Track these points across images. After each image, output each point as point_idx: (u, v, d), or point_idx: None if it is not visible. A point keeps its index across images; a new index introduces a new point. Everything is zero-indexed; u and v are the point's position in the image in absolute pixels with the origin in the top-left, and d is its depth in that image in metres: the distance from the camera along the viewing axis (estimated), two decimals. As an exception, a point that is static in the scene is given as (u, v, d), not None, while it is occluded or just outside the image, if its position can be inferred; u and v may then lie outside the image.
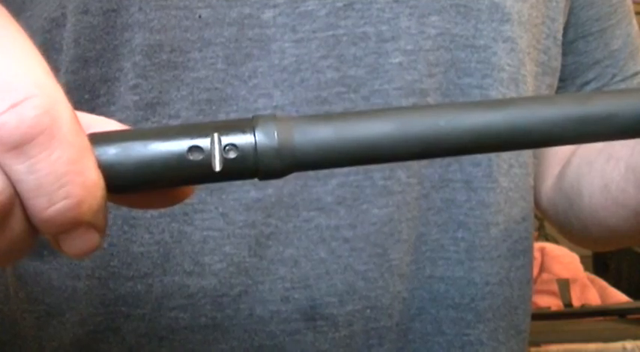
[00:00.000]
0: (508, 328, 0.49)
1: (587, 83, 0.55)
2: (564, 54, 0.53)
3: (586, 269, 1.74)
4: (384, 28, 0.42)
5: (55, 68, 0.43)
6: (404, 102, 0.42)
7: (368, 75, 0.42)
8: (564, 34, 0.52)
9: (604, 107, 0.24)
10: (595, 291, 1.63)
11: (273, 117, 0.24)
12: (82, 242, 0.24)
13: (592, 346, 1.22)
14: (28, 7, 0.45)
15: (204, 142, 0.23)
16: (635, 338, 1.23)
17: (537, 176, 0.55)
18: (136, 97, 0.42)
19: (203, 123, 0.24)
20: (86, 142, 0.23)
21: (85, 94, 0.44)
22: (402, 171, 0.43)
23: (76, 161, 0.23)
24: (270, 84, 0.42)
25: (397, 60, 0.43)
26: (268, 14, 0.42)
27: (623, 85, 0.55)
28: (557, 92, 0.53)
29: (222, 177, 0.24)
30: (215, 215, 0.42)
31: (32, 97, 0.22)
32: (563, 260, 1.70)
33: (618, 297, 1.63)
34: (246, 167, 0.24)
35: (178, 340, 0.43)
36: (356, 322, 0.43)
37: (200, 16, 0.42)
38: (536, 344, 1.25)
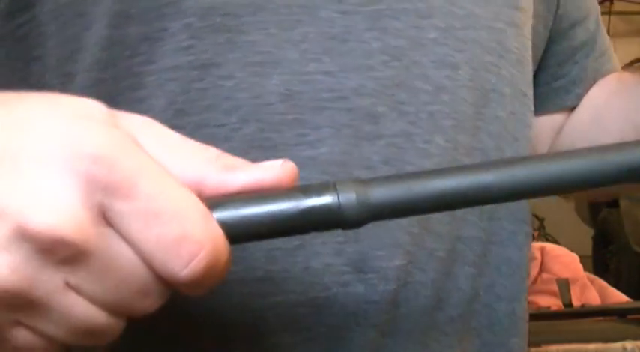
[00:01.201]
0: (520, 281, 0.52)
1: (575, 63, 0.62)
2: (560, 40, 0.60)
3: (586, 269, 1.75)
4: (420, 5, 0.47)
5: (95, 20, 0.45)
6: (438, 74, 0.46)
7: (408, 46, 0.46)
8: (558, 23, 0.60)
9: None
10: (595, 291, 1.63)
11: (351, 182, 0.30)
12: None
13: (592, 346, 1.22)
14: None
15: (300, 203, 0.29)
16: (635, 338, 1.23)
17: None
18: (191, 58, 0.44)
19: (300, 187, 0.30)
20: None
21: (125, 51, 0.45)
22: (439, 135, 0.46)
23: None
24: (320, 50, 0.44)
25: (432, 35, 0.47)
26: None
27: (600, 60, 0.63)
28: (549, 74, 0.61)
29: (315, 229, 0.30)
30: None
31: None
32: (563, 260, 1.70)
33: (618, 297, 1.63)
34: (333, 221, 0.30)
35: (232, 293, 0.44)
36: (402, 276, 0.45)
37: None
38: (536, 344, 1.25)
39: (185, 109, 0.44)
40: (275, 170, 0.30)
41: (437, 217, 0.46)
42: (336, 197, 0.30)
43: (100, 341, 0.29)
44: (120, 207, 0.26)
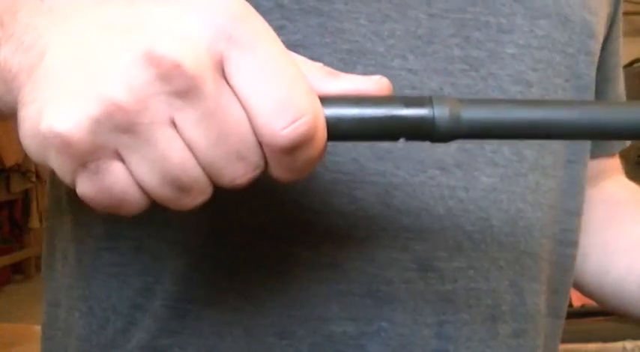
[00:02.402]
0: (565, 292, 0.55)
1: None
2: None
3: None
4: (503, 20, 0.48)
5: None
6: (513, 89, 0.47)
7: (487, 58, 0.47)
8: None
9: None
10: (595, 291, 1.63)
11: (446, 98, 0.32)
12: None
13: (592, 346, 1.22)
14: None
15: (399, 111, 0.31)
16: (635, 338, 1.23)
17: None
18: (282, 38, 0.44)
19: (400, 97, 0.32)
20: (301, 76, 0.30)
21: None
22: (506, 147, 0.48)
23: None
24: (406, 47, 0.45)
25: (511, 51, 0.48)
26: None
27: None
28: None
29: (406, 137, 0.32)
30: (347, 159, 0.44)
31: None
32: (563, 260, 1.70)
33: (618, 297, 1.62)
34: (424, 133, 0.32)
35: (298, 276, 0.45)
36: (460, 279, 0.46)
37: None
38: (536, 344, 1.25)
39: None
40: (373, 83, 0.33)
41: (500, 227, 0.48)
42: (432, 110, 0.32)
43: (185, 204, 0.30)
44: (238, 59, 0.28)
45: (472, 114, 0.32)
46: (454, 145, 0.46)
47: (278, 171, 0.30)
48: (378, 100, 0.32)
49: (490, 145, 0.47)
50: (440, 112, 0.32)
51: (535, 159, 0.49)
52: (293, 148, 0.29)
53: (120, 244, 0.47)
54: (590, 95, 0.52)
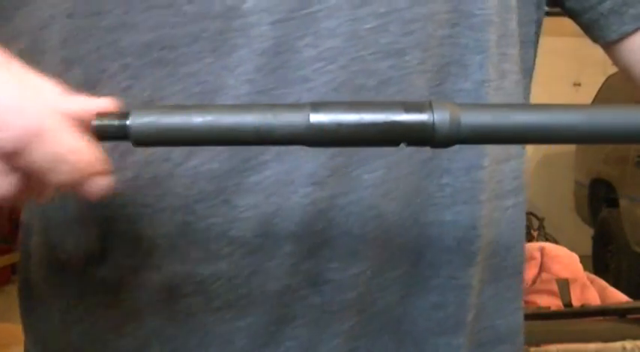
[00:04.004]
0: (499, 269, 0.50)
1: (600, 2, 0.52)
2: None
3: (586, 269, 1.74)
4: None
5: (40, 71, 0.45)
6: (382, 65, 0.43)
7: (344, 43, 0.43)
8: None
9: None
10: (595, 291, 1.63)
11: (446, 103, 0.32)
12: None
13: (592, 346, 1.22)
14: (23, 4, 0.46)
15: (399, 117, 0.32)
16: (635, 338, 1.23)
17: None
18: (129, 99, 0.42)
19: (400, 102, 0.32)
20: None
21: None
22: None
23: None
24: (252, 69, 0.42)
25: (369, 24, 0.43)
26: (249, 3, 0.43)
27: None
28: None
29: (407, 143, 0.32)
30: (216, 202, 0.43)
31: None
32: (563, 260, 1.70)
33: (618, 297, 1.63)
34: (425, 138, 0.32)
35: (196, 323, 0.45)
36: (362, 283, 0.45)
37: (185, 13, 0.42)
38: (536, 343, 1.25)
39: (129, 149, 0.45)
40: (103, 102, 0.34)
41: (398, 230, 0.45)
42: (432, 115, 0.32)
43: None
44: None
45: (472, 119, 0.32)
46: (323, 156, 0.43)
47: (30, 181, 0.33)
48: (378, 106, 0.32)
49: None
50: (440, 117, 0.32)
51: None
52: (10, 153, 0.32)
53: None
54: (495, 29, 0.46)
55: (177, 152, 0.42)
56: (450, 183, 0.46)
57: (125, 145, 0.34)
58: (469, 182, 0.47)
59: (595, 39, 0.52)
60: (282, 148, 0.42)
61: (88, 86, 0.43)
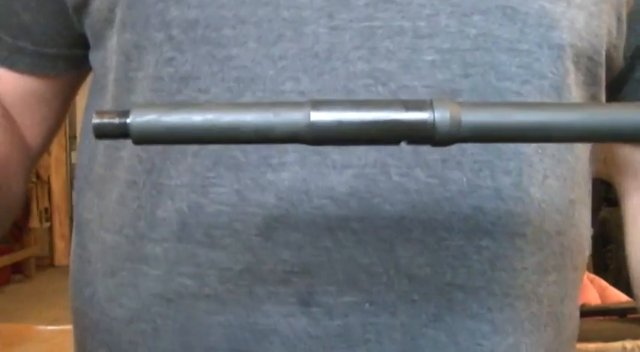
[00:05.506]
0: (533, 344, 0.47)
1: None
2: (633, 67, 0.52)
3: (586, 269, 1.74)
4: (421, 24, 0.42)
5: (113, 30, 0.47)
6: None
7: (399, 69, 0.42)
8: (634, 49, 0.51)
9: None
10: (595, 291, 1.63)
11: (447, 101, 0.32)
12: None
13: (592, 346, 1.22)
14: None
15: (399, 115, 0.31)
16: (635, 337, 1.23)
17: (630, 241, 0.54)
18: (172, 70, 0.44)
19: (400, 100, 0.32)
20: None
21: (121, 56, 0.46)
22: (420, 169, 0.43)
23: None
24: (300, 67, 0.42)
25: (430, 57, 0.42)
26: None
27: None
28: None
29: (410, 141, 0.32)
30: (230, 190, 0.43)
31: None
32: (563, 260, 1.70)
33: (618, 297, 1.62)
34: (425, 136, 0.32)
35: (183, 305, 0.45)
36: (352, 313, 0.43)
37: None
38: (536, 344, 1.25)
39: None
40: None
41: (410, 258, 0.43)
42: (432, 114, 0.32)
43: None
44: None
45: (473, 117, 0.32)
46: (349, 171, 0.42)
47: None
48: (379, 104, 0.32)
49: (398, 168, 0.42)
50: (440, 115, 0.32)
51: (473, 180, 0.43)
52: None
53: None
54: (561, 95, 0.45)
55: None
56: (490, 247, 0.45)
57: None
58: (511, 249, 0.45)
59: None
60: (306, 154, 0.42)
61: (138, 52, 0.45)
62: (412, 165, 0.43)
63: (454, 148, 0.43)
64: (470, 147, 0.44)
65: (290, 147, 0.42)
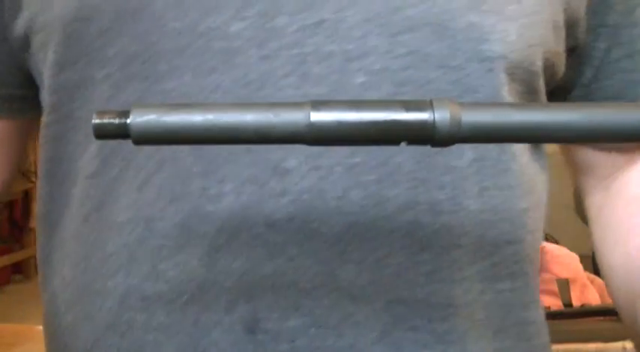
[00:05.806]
0: (484, 350, 0.48)
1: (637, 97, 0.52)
2: (610, 74, 0.52)
3: (586, 269, 1.74)
4: (350, 46, 0.42)
5: (44, 69, 0.47)
6: None
7: (329, 93, 0.42)
8: (607, 55, 0.51)
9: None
10: (595, 291, 1.63)
11: (447, 101, 0.32)
12: None
13: (592, 346, 1.22)
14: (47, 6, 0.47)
15: (399, 115, 0.32)
16: (635, 337, 1.23)
17: (600, 242, 0.55)
18: (112, 107, 0.44)
19: (400, 101, 0.32)
20: None
21: (63, 96, 0.46)
22: (356, 191, 0.43)
23: None
24: (232, 98, 0.42)
25: (360, 79, 0.42)
26: (236, 27, 0.42)
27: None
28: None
29: (410, 141, 0.32)
30: (171, 224, 0.44)
31: None
32: (563, 260, 1.70)
33: (618, 297, 1.62)
34: (425, 137, 0.32)
35: (134, 337, 0.46)
36: (299, 338, 0.44)
37: (171, 27, 0.42)
38: (536, 344, 1.25)
39: (108, 158, 0.45)
40: None
41: (350, 278, 0.44)
42: (432, 114, 0.32)
43: None
44: None
45: (473, 117, 0.32)
46: (286, 198, 0.42)
47: None
48: (379, 105, 0.32)
49: (333, 192, 0.43)
50: (440, 116, 0.32)
51: (411, 198, 0.44)
52: None
53: None
54: None
55: None
56: (427, 260, 0.46)
57: None
58: (448, 261, 0.45)
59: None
60: (244, 182, 0.43)
61: (80, 90, 0.45)
62: (347, 187, 0.43)
63: (390, 167, 0.43)
64: (406, 164, 0.44)
65: (227, 176, 0.42)
